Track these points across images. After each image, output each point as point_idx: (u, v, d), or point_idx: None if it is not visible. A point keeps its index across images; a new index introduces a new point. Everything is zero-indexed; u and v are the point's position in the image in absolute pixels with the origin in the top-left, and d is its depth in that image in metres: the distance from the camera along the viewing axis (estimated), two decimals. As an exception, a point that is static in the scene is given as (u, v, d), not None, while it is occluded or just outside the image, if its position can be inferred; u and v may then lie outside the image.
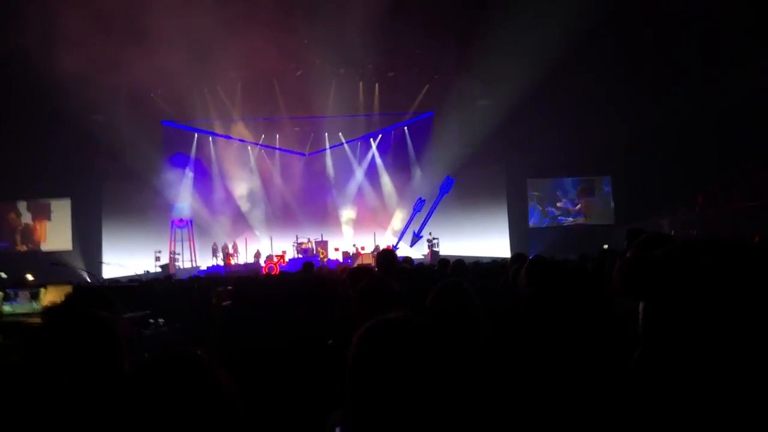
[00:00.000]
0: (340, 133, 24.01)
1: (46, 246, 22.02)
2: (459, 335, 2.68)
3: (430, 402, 1.37)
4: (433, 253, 21.10)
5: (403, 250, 21.79)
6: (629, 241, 7.17)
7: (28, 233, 22.31)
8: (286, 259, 21.23)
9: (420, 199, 23.29)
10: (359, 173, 24.75)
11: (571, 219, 23.05)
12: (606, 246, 15.59)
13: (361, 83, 22.30)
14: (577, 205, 23.06)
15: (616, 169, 22.12)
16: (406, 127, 24.04)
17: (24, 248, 22.04)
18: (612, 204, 22.75)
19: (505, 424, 1.99)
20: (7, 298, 5.14)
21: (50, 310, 1.93)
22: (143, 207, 21.88)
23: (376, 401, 1.38)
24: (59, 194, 22.10)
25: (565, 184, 23.21)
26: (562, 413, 2.34)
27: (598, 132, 19.62)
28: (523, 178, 22.76)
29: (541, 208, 23.08)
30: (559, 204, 23.08)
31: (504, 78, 19.75)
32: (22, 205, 22.36)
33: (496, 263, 9.16)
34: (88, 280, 18.71)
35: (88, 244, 21.42)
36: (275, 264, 20.47)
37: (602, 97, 19.06)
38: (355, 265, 15.33)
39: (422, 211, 23.36)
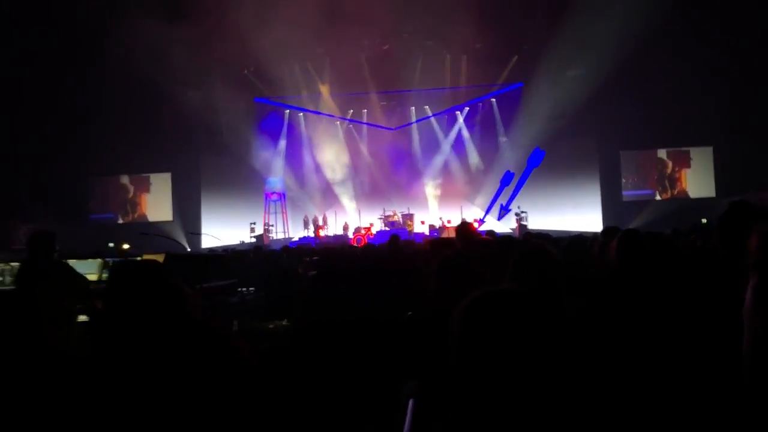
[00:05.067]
0: (427, 107, 23.90)
1: (149, 217, 23.31)
2: (539, 299, 2.66)
3: (540, 373, 1.36)
4: (521, 227, 20.76)
5: (491, 224, 21.55)
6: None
7: (131, 206, 23.68)
8: (374, 232, 21.50)
9: (508, 171, 22.86)
10: (446, 146, 24.59)
11: (667, 193, 21.94)
12: (705, 220, 14.79)
13: (448, 55, 21.98)
14: (676, 177, 21.90)
15: (716, 140, 20.76)
16: (494, 99, 23.58)
17: (127, 219, 23.41)
18: (713, 176, 21.42)
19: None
20: (106, 267, 5.50)
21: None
22: (239, 180, 22.94)
23: (485, 372, 1.36)
24: (160, 168, 23.29)
25: (661, 155, 22.07)
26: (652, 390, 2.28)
27: (697, 100, 18.48)
28: (616, 150, 21.83)
29: (635, 181, 22.09)
30: (655, 177, 22.01)
31: (596, 46, 18.93)
32: (124, 179, 23.70)
33: (580, 237, 8.87)
34: (188, 249, 19.81)
35: (188, 215, 22.53)
36: (363, 236, 20.79)
37: (700, 63, 17.91)
38: (440, 237, 15.30)
39: (510, 184, 22.94)
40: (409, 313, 4.11)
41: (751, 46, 17.15)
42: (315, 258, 7.40)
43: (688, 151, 21.77)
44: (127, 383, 1.58)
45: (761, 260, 1.69)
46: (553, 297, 2.87)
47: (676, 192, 21.93)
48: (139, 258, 5.49)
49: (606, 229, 7.94)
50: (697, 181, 21.63)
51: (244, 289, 5.62)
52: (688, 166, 21.81)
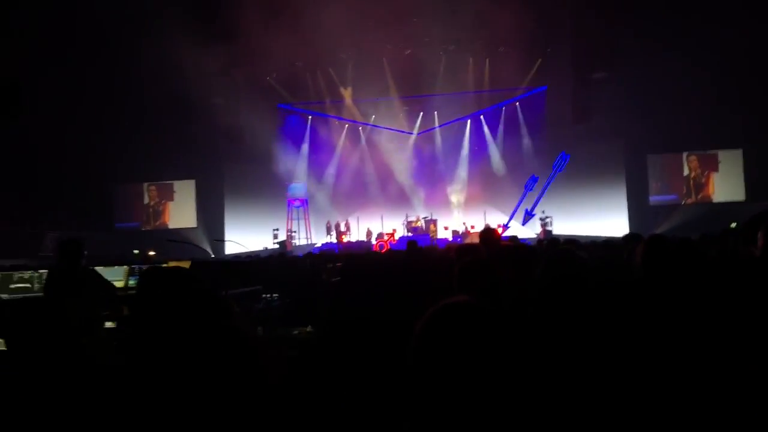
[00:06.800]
0: (449, 111, 23.83)
1: (172, 224, 23.49)
2: (569, 304, 2.60)
3: (491, 388, 1.31)
4: (546, 232, 20.58)
5: (515, 229, 21.41)
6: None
7: (155, 213, 23.87)
8: (396, 237, 21.47)
9: (533, 176, 22.72)
10: (469, 151, 24.51)
11: (693, 197, 21.52)
12: (734, 224, 14.43)
13: (470, 59, 21.93)
14: (703, 182, 21.47)
15: (746, 143, 20.29)
16: (517, 103, 23.45)
17: (150, 227, 23.59)
18: (742, 180, 20.93)
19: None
20: (132, 273, 5.55)
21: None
22: (262, 187, 23.06)
23: (438, 386, 1.33)
24: (183, 176, 23.48)
25: (689, 159, 21.67)
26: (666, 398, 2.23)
27: (725, 102, 18.09)
28: (643, 154, 21.49)
29: (662, 185, 21.70)
30: (682, 181, 21.62)
31: (621, 49, 18.75)
32: (148, 186, 23.88)
33: (609, 242, 8.77)
34: (212, 255, 19.95)
35: (211, 222, 22.67)
36: (385, 242, 20.76)
37: (728, 63, 17.55)
38: (465, 243, 15.25)
39: (535, 188, 22.78)
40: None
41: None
42: (338, 264, 7.39)
43: (716, 154, 21.34)
44: (154, 389, 1.57)
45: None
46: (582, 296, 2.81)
47: (701, 196, 21.49)
48: (164, 265, 5.52)
49: (628, 235, 7.89)
50: (725, 185, 21.16)
51: (267, 295, 5.63)
52: (716, 169, 21.36)
